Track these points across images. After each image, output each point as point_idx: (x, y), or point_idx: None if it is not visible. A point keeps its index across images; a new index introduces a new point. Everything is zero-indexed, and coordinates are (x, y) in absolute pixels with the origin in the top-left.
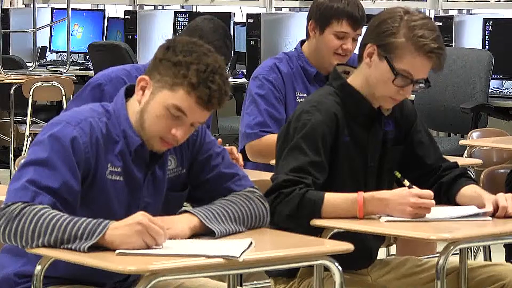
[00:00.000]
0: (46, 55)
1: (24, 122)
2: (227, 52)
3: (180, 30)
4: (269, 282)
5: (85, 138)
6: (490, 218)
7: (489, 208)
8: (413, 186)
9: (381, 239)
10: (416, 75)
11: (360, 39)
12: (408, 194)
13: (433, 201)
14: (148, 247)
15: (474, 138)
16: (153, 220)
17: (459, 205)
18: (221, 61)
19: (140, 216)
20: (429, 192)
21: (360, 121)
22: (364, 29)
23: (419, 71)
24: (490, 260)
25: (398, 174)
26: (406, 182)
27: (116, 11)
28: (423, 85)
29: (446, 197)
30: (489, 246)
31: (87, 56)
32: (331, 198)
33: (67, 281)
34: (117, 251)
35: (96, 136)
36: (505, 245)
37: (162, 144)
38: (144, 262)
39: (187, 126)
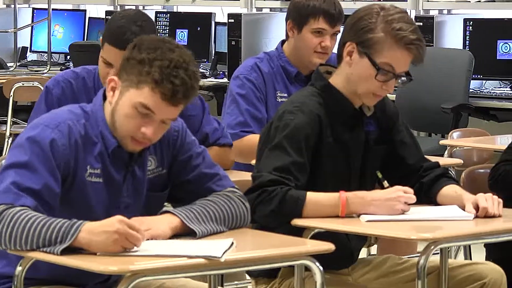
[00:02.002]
0: (27, 55)
1: (5, 122)
2: (136, 34)
3: (161, 31)
4: (250, 282)
5: (64, 141)
6: (471, 217)
7: (470, 210)
8: None
9: (362, 240)
10: (398, 68)
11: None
12: (394, 189)
13: (414, 196)
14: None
15: (454, 138)
16: (131, 226)
17: (440, 205)
18: (188, 56)
19: (118, 224)
20: (410, 188)
21: (343, 122)
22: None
23: (400, 64)
24: (471, 259)
25: (379, 174)
26: (386, 184)
27: (97, 11)
28: (405, 79)
29: (426, 197)
30: (469, 246)
31: (68, 56)
32: (314, 196)
33: (48, 282)
34: (98, 252)
35: (75, 138)
36: (486, 245)
37: (134, 144)
38: (125, 263)
39: (157, 123)
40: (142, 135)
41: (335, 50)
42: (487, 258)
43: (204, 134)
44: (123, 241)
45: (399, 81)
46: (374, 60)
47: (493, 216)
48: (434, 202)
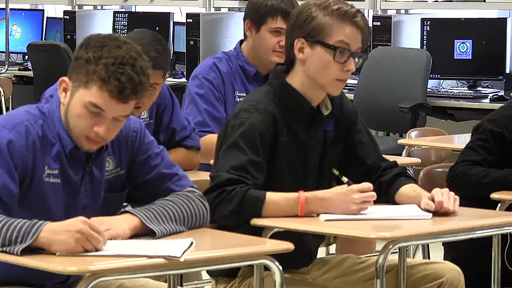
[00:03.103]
0: None
1: None
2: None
3: (119, 30)
4: (210, 281)
5: (22, 141)
6: (430, 217)
7: (426, 203)
8: (352, 183)
9: (320, 238)
10: (352, 45)
11: None
12: (349, 191)
13: (374, 193)
14: (87, 252)
15: (412, 137)
16: (93, 227)
17: (398, 204)
18: (135, 52)
19: (81, 224)
20: (368, 185)
21: (300, 121)
22: None
23: (352, 40)
24: (429, 258)
25: (336, 172)
26: (345, 179)
27: (55, 11)
28: (361, 58)
29: (385, 196)
30: (427, 245)
31: (26, 56)
32: (273, 196)
33: (5, 283)
34: (58, 252)
35: (33, 139)
36: (444, 243)
37: (89, 143)
38: (84, 263)
39: (109, 121)
40: (96, 134)
41: None
42: (445, 257)
43: (171, 130)
44: (85, 242)
45: (357, 59)
46: (327, 43)
47: (451, 214)
48: (393, 202)
